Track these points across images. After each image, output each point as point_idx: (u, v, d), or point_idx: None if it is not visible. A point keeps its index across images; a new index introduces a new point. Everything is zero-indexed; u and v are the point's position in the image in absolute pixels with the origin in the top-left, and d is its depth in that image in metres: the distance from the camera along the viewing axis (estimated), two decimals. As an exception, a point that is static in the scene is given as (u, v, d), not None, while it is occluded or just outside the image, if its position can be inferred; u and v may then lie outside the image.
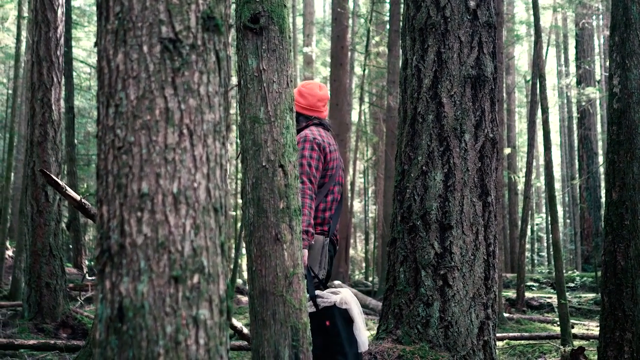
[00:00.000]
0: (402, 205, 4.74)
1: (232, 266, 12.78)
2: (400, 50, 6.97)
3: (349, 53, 19.91)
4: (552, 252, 10.71)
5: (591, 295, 14.60)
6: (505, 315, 11.07)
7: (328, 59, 22.23)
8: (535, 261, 30.03)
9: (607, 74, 5.70)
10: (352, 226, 24.26)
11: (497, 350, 7.94)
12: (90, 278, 12.43)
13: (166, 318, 1.51)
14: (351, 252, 22.99)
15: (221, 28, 1.76)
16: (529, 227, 29.19)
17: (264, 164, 2.63)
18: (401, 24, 5.24)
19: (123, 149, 1.58)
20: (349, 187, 18.21)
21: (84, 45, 25.48)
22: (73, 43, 14.99)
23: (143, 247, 1.53)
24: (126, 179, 1.57)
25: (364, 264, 25.60)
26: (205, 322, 1.55)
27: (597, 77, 24.46)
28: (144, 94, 1.60)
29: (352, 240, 24.27)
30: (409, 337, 4.41)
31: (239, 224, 18.04)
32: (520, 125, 34.15)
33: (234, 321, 6.84)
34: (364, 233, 24.20)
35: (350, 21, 21.09)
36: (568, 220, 32.28)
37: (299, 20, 28.12)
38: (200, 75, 1.69)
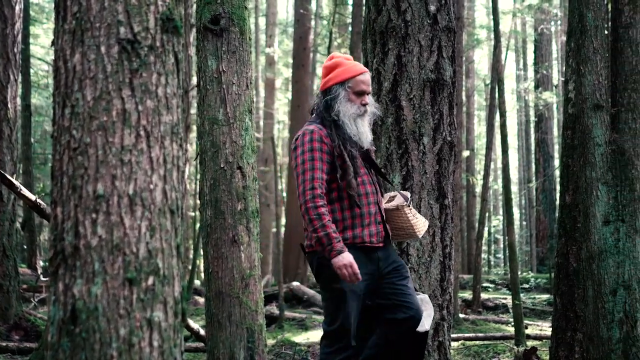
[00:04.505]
0: (361, 207, 4.77)
1: (190, 267, 12.70)
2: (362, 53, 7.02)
3: (311, 54, 19.94)
4: (508, 254, 10.86)
5: (545, 296, 14.86)
6: (461, 316, 11.20)
7: (290, 60, 22.22)
8: (492, 262, 30.44)
9: (564, 79, 5.82)
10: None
11: (452, 351, 8.03)
12: (44, 279, 12.23)
13: (120, 320, 1.50)
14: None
15: (180, 30, 1.76)
16: (486, 229, 29.55)
17: (222, 166, 2.63)
18: (362, 26, 5.27)
19: (79, 150, 1.57)
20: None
21: (42, 42, 25.05)
22: (31, 40, 14.72)
23: (97, 249, 1.52)
24: (81, 180, 1.56)
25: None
26: (160, 324, 1.55)
27: (555, 82, 24.86)
28: (101, 94, 1.59)
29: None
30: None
31: (197, 225, 17.91)
32: (480, 128, 34.55)
33: (191, 323, 6.81)
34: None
35: (313, 22, 21.13)
36: (524, 223, 32.78)
37: (262, 21, 28.06)
38: (159, 76, 1.69)
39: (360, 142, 3.62)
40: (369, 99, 3.71)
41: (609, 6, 5.45)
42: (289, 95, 21.19)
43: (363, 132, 3.64)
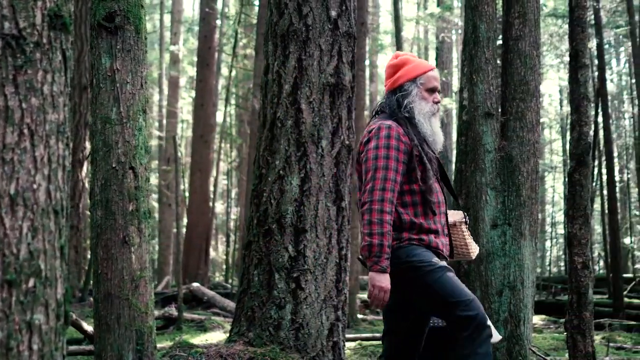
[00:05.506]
0: (259, 208, 4.79)
1: (87, 268, 12.35)
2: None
3: (216, 54, 19.77)
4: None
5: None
6: (360, 316, 11.40)
7: (195, 59, 21.96)
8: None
9: (459, 87, 6.04)
10: (214, 228, 24.08)
11: (348, 351, 8.16)
12: None
13: (-3, 323, 1.46)
14: (212, 254, 22.82)
15: (69, 27, 1.73)
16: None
17: (114, 166, 2.60)
18: (265, 28, 5.30)
19: (-44, 148, 1.52)
20: (211, 188, 18.09)
21: None
22: None
23: (-26, 250, 1.48)
24: (-41, 179, 1.51)
25: (224, 266, 25.49)
26: (40, 327, 1.52)
27: (455, 89, 25.65)
28: (-18, 91, 1.55)
29: (213, 242, 24.08)
30: (261, 339, 4.47)
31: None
32: (382, 132, 35.14)
33: (85, 325, 6.63)
34: (225, 235, 24.09)
35: (219, 22, 20.97)
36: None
37: (167, 18, 27.60)
38: (45, 74, 1.66)
39: (434, 143, 3.37)
40: (440, 96, 3.50)
41: (501, 19, 5.70)
42: (194, 94, 20.97)
43: (437, 132, 3.40)
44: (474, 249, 3.52)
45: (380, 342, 8.90)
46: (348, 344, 8.61)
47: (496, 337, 3.35)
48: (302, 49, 4.89)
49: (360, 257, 3.32)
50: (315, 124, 4.79)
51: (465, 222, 3.52)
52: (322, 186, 4.73)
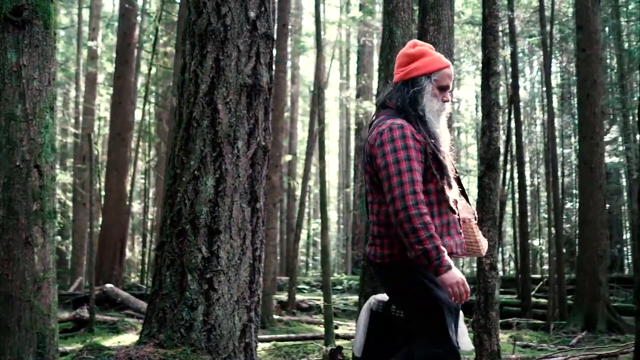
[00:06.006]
0: (173, 209, 4.74)
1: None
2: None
3: (136, 51, 19.40)
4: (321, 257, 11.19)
5: (357, 298, 15.48)
6: (276, 317, 11.42)
7: (114, 55, 21.47)
8: (310, 265, 31.24)
9: (376, 91, 6.13)
10: (131, 228, 23.61)
11: (263, 352, 8.17)
12: None
13: None
14: (128, 254, 22.37)
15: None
16: (305, 231, 30.27)
17: (17, 164, 2.52)
18: (183, 27, 5.25)
19: None
20: (128, 187, 17.74)
21: None
22: None
23: None
24: None
25: (140, 267, 25.03)
26: None
27: (374, 92, 25.98)
28: None
29: (129, 242, 23.61)
30: (172, 341, 4.42)
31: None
32: (303, 133, 35.29)
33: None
34: (142, 235, 23.66)
35: (139, 18, 20.58)
36: (342, 226, 33.94)
37: (86, 13, 26.88)
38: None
39: (442, 142, 3.22)
40: (449, 95, 3.33)
41: (417, 25, 5.83)
42: (112, 91, 20.50)
43: (445, 131, 3.27)
44: (484, 245, 3.48)
45: (295, 342, 8.95)
46: (263, 345, 8.62)
47: (468, 346, 3.40)
48: (220, 49, 4.86)
49: (366, 254, 3.27)
50: (231, 125, 4.77)
51: (475, 218, 3.46)
52: (237, 187, 4.71)
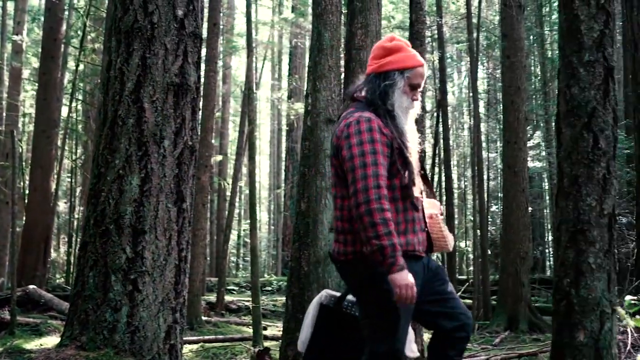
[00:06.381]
0: (96, 208, 4.66)
1: None
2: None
3: (63, 46, 18.91)
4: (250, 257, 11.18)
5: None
6: (204, 318, 11.33)
7: (40, 50, 20.87)
8: (240, 265, 31.08)
9: (306, 93, 6.17)
10: (56, 227, 23.00)
11: (191, 353, 8.10)
12: None
13: None
14: (53, 254, 21.80)
15: None
16: (235, 232, 30.11)
17: None
18: (108, 23, 5.16)
19: None
20: (54, 186, 17.28)
21: None
22: None
23: None
24: None
25: (66, 268, 24.41)
26: None
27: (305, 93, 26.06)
28: None
29: (55, 242, 23.00)
30: (95, 343, 4.34)
31: None
32: (235, 133, 35.12)
33: None
34: (68, 235, 23.09)
35: (67, 13, 20.07)
36: (272, 227, 33.91)
37: (10, 5, 26.05)
38: None
39: (408, 138, 3.13)
40: (419, 94, 3.26)
41: (345, 28, 5.89)
42: (37, 87, 19.90)
43: (412, 129, 3.20)
44: (450, 240, 3.39)
45: (222, 343, 8.91)
46: (190, 346, 8.55)
47: (415, 353, 3.40)
48: (147, 47, 4.81)
49: (331, 252, 3.19)
50: (157, 124, 4.72)
51: (442, 213, 3.40)
52: (163, 187, 4.67)
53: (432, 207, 3.33)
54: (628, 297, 7.55)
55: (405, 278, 2.84)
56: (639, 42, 10.18)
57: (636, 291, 8.39)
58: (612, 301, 4.36)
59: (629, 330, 7.22)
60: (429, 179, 3.44)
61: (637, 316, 7.23)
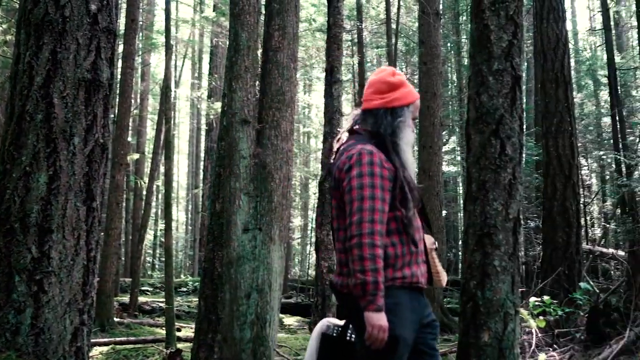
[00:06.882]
0: (1, 206, 4.49)
1: None
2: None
3: (-29, 36, 18.16)
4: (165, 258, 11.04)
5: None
6: (117, 320, 11.10)
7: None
8: (157, 266, 30.58)
9: (223, 93, 6.13)
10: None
11: (101, 356, 7.92)
12: None
13: None
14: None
15: None
16: (152, 232, 29.61)
17: None
18: (17, 15, 4.99)
19: None
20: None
21: None
22: None
23: None
24: None
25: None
26: None
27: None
28: None
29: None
30: (-5, 345, 4.19)
31: None
32: (153, 132, 34.59)
33: None
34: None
35: (-24, 2, 19.29)
36: (190, 227, 33.53)
37: None
38: None
39: (410, 171, 3.15)
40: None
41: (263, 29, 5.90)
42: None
43: (413, 161, 3.21)
44: (444, 277, 3.39)
45: (135, 345, 8.74)
46: (101, 348, 8.36)
47: None
48: (58, 41, 4.68)
49: (333, 282, 3.14)
50: (67, 120, 4.60)
51: (436, 249, 3.38)
52: (72, 185, 4.55)
53: (428, 241, 3.32)
54: (532, 299, 7.87)
55: (381, 319, 2.83)
56: (548, 53, 10.60)
57: (541, 293, 8.72)
58: (515, 303, 4.50)
59: (533, 331, 7.51)
60: (427, 213, 3.39)
61: (541, 317, 7.54)
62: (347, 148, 3.15)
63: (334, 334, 3.40)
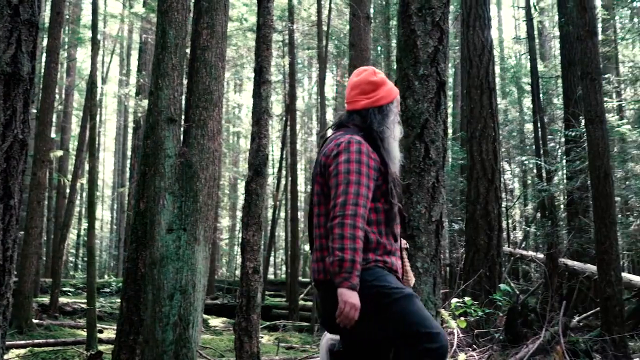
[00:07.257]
0: None
1: None
2: None
3: None
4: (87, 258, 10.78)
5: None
6: (36, 321, 10.79)
7: None
8: (79, 266, 29.83)
9: (149, 91, 6.03)
10: None
11: (15, 358, 7.67)
12: None
13: None
14: None
15: None
16: (75, 231, 28.89)
17: None
18: None
19: None
20: None
21: None
22: None
23: None
24: None
25: None
26: None
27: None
28: None
29: None
30: None
31: None
32: (78, 128, 33.78)
33: None
34: None
35: None
36: (115, 227, 32.87)
37: None
38: None
39: (396, 166, 3.24)
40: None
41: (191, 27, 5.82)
42: None
43: (398, 157, 3.28)
44: (412, 276, 3.43)
45: (54, 347, 8.51)
46: (18, 351, 8.11)
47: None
48: (-24, 33, 4.51)
49: (316, 277, 3.12)
50: (-16, 115, 4.44)
51: (406, 249, 3.44)
52: (-11, 182, 4.39)
53: (402, 242, 3.38)
54: (454, 300, 8.04)
55: (354, 297, 2.85)
56: (473, 59, 10.85)
57: (463, 294, 8.91)
58: (437, 304, 4.58)
59: (454, 331, 7.66)
60: (404, 214, 3.46)
61: (462, 317, 7.71)
62: (336, 137, 3.23)
63: (342, 349, 3.36)
